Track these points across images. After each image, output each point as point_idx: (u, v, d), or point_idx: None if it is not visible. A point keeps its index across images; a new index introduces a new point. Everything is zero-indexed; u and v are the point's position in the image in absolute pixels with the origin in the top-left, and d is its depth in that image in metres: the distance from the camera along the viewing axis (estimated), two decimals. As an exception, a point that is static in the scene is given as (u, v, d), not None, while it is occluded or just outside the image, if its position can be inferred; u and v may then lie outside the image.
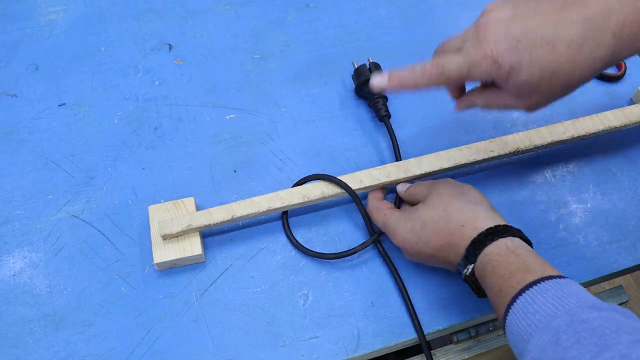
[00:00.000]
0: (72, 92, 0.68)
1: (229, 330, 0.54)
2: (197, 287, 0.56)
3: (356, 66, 0.67)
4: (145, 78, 0.69)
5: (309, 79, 0.69)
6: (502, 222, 0.49)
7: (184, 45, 0.72)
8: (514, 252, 0.46)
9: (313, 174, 0.59)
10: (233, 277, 0.56)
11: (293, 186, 0.60)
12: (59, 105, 0.67)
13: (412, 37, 0.73)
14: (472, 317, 0.55)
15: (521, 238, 0.48)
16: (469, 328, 0.57)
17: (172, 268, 0.56)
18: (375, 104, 0.64)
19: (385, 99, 0.65)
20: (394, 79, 0.47)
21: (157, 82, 0.69)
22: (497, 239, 0.47)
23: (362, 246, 0.56)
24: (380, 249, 0.57)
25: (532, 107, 0.47)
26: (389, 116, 0.64)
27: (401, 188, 0.58)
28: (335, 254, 0.56)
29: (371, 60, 0.66)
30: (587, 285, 0.58)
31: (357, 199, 0.57)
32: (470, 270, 0.48)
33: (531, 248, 0.47)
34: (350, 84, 0.68)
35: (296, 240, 0.57)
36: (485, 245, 0.47)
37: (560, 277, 0.43)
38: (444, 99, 0.67)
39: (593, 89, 0.69)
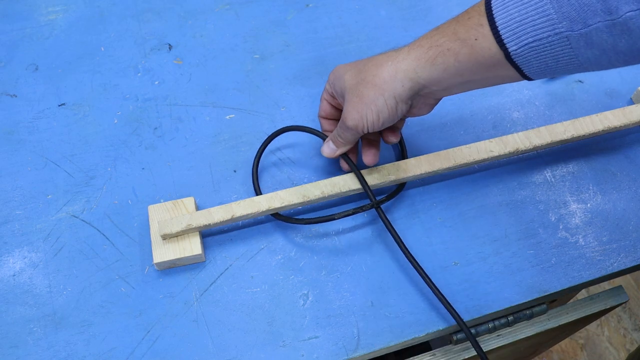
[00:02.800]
0: (72, 92, 0.68)
1: (229, 330, 0.54)
2: (197, 287, 0.56)
3: None
4: (145, 78, 0.69)
5: (309, 79, 0.69)
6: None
7: (183, 45, 0.72)
8: None
9: (291, 125, 0.61)
10: (233, 277, 0.56)
11: (270, 135, 0.61)
12: (59, 105, 0.67)
13: (412, 37, 0.73)
14: (471, 317, 0.55)
15: None
16: (469, 328, 0.57)
17: (172, 268, 0.56)
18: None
19: None
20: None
21: (157, 82, 0.69)
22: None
23: (361, 209, 0.56)
24: (382, 215, 0.56)
25: (351, 115, 0.51)
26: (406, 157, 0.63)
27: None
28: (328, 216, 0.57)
29: None
30: (587, 285, 0.58)
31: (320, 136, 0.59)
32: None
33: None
34: None
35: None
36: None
37: None
38: (445, 98, 0.67)
39: (593, 89, 0.69)
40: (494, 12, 0.43)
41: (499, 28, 0.43)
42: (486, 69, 0.46)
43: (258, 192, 0.59)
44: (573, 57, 0.42)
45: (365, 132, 0.52)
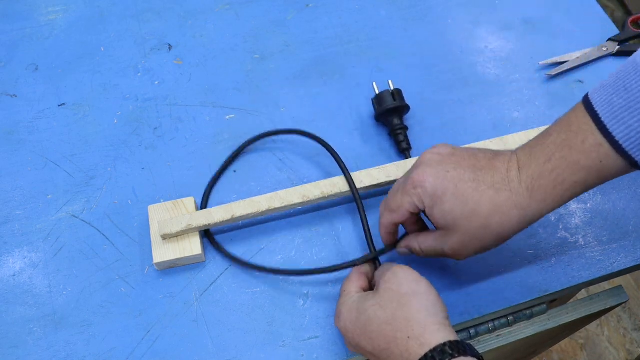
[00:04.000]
0: (72, 92, 0.68)
1: (228, 330, 0.54)
2: (197, 287, 0.56)
3: (377, 91, 0.65)
4: (145, 78, 0.69)
5: (309, 79, 0.69)
6: (452, 337, 0.43)
7: (183, 45, 0.72)
8: None
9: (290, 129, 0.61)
10: (233, 277, 0.56)
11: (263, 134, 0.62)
12: (59, 105, 0.67)
13: (412, 37, 0.73)
14: (471, 316, 0.55)
15: (473, 355, 0.42)
16: (469, 328, 0.57)
17: (172, 268, 0.56)
18: (397, 136, 0.63)
19: (406, 128, 0.63)
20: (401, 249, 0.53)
21: (157, 82, 0.69)
22: (452, 357, 0.41)
23: (360, 261, 0.54)
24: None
25: (456, 252, 0.48)
26: (410, 149, 0.62)
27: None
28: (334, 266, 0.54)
29: (393, 87, 0.64)
30: (587, 285, 0.58)
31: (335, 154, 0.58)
32: None
33: None
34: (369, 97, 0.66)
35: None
36: None
37: None
38: (445, 98, 0.67)
39: (593, 89, 0.69)
40: (609, 127, 0.41)
41: (621, 143, 0.41)
42: (609, 179, 0.44)
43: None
44: None
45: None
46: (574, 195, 0.44)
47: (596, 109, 0.42)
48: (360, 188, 0.58)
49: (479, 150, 0.49)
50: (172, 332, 0.53)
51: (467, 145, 0.56)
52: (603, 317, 1.43)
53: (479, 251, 0.48)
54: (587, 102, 0.43)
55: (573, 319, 0.60)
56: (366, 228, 0.55)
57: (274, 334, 0.54)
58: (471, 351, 0.42)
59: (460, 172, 0.46)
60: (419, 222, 0.53)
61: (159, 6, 0.75)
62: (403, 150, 0.62)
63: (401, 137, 0.62)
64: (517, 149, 0.48)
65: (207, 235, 0.58)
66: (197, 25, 0.74)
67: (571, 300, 0.64)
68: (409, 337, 0.43)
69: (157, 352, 0.52)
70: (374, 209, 0.60)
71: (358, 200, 0.56)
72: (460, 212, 0.46)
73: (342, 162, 0.59)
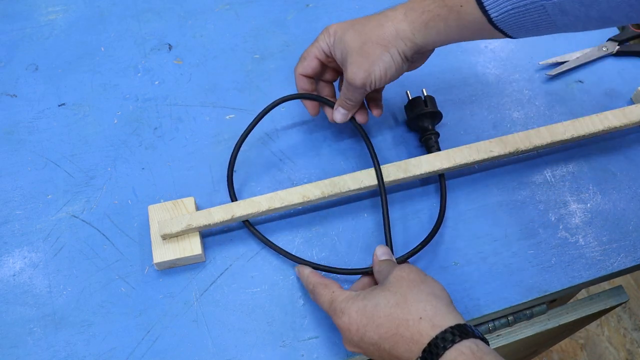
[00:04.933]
0: (72, 92, 0.68)
1: (228, 330, 0.54)
2: (197, 287, 0.56)
3: (410, 97, 0.64)
4: (145, 78, 0.69)
5: (309, 79, 0.69)
6: (462, 321, 0.43)
7: (183, 45, 0.72)
8: None
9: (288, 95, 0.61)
10: (233, 277, 0.56)
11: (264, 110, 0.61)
12: (59, 105, 0.67)
13: (412, 37, 0.73)
14: (471, 317, 0.55)
15: (481, 339, 0.43)
16: (469, 328, 0.57)
17: (172, 268, 0.56)
18: (427, 141, 0.62)
19: (437, 135, 0.62)
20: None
21: (157, 82, 0.69)
22: (459, 341, 0.41)
23: (357, 272, 0.55)
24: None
25: (354, 74, 0.53)
26: (439, 150, 0.62)
27: (380, 254, 0.53)
28: (330, 267, 0.55)
29: (426, 93, 0.64)
30: (587, 285, 0.58)
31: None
32: None
33: (495, 352, 0.42)
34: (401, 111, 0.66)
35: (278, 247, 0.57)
36: (446, 349, 0.41)
37: None
38: (445, 98, 0.67)
39: (593, 89, 0.69)
40: None
41: None
42: (472, 32, 0.49)
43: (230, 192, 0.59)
44: (551, 23, 0.45)
45: (373, 88, 0.55)
46: (438, 30, 0.50)
47: None
48: (361, 188, 0.58)
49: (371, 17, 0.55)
50: (172, 332, 0.53)
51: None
52: (603, 317, 1.43)
53: (369, 70, 0.52)
54: None
55: (573, 319, 0.60)
56: (387, 225, 0.57)
57: (274, 334, 0.54)
58: (479, 336, 0.43)
59: (360, 18, 0.55)
60: (328, 71, 0.60)
61: (159, 6, 0.75)
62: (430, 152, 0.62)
63: (432, 142, 0.62)
64: None
65: (245, 223, 0.58)
66: (197, 25, 0.74)
67: (571, 300, 0.64)
68: (421, 318, 0.43)
69: (157, 352, 0.52)
70: (371, 210, 0.60)
71: (383, 195, 0.57)
72: (349, 37, 0.53)
73: (374, 151, 0.60)
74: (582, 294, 1.32)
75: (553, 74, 0.70)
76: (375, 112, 0.61)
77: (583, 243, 0.59)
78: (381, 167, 0.59)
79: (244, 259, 0.57)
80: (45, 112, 0.66)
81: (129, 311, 0.54)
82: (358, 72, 0.53)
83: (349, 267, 0.56)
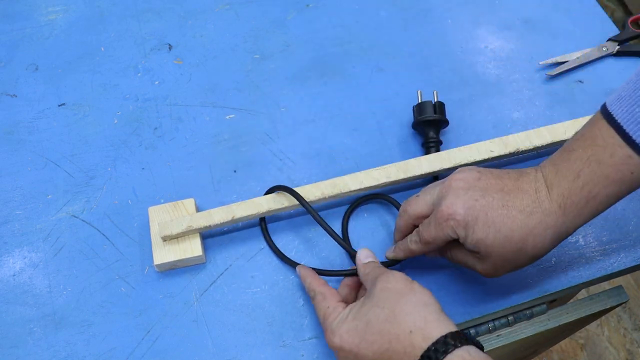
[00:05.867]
0: (72, 92, 0.68)
1: (229, 330, 0.54)
2: (197, 287, 0.56)
3: (420, 99, 0.64)
4: (145, 78, 0.69)
5: (309, 79, 0.69)
6: (453, 328, 0.43)
7: (183, 45, 0.72)
8: None
9: (278, 185, 0.57)
10: (233, 277, 0.56)
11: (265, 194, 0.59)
12: (59, 105, 0.67)
13: (412, 37, 0.73)
14: (471, 317, 0.55)
15: (474, 344, 0.43)
16: (469, 328, 0.57)
17: (173, 269, 0.56)
18: (429, 149, 0.62)
19: (440, 143, 0.62)
20: (398, 252, 0.54)
21: (157, 82, 0.69)
22: (451, 351, 0.41)
23: (347, 272, 0.54)
24: None
25: (489, 273, 0.49)
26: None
27: (363, 258, 0.52)
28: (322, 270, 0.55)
29: (437, 98, 0.64)
30: (587, 285, 0.58)
31: (315, 216, 0.54)
32: None
33: (487, 356, 0.42)
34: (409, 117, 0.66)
35: (276, 248, 0.57)
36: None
37: None
38: (445, 98, 0.67)
39: (593, 89, 0.69)
40: (635, 139, 0.42)
41: None
42: (628, 193, 0.45)
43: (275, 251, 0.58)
44: None
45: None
46: (607, 206, 0.45)
47: (619, 122, 0.42)
48: (361, 189, 0.58)
49: (503, 171, 0.49)
50: (172, 332, 0.53)
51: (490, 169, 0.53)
52: (603, 317, 1.43)
53: (511, 271, 0.49)
54: (607, 115, 0.44)
55: (573, 319, 0.60)
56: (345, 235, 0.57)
57: (274, 334, 0.54)
58: (472, 340, 0.43)
59: (489, 200, 0.46)
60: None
61: (159, 6, 0.75)
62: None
63: (432, 152, 0.62)
64: (541, 166, 0.48)
65: (261, 222, 0.58)
66: (197, 25, 0.74)
67: (571, 300, 0.64)
68: (411, 332, 0.43)
69: (157, 352, 0.52)
70: (371, 210, 0.60)
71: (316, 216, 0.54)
72: (493, 240, 0.46)
73: None
74: (582, 294, 1.32)
75: (553, 74, 0.70)
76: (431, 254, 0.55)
77: (583, 243, 0.59)
78: (382, 167, 0.59)
79: (244, 259, 0.57)
80: (45, 112, 0.66)
81: (129, 311, 0.54)
82: (499, 273, 0.49)
83: (344, 269, 0.56)
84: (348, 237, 0.59)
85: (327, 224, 0.53)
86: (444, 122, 0.63)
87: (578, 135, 0.46)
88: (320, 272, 0.54)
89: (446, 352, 0.41)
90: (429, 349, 0.41)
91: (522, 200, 0.46)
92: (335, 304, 0.49)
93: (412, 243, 0.52)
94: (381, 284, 0.46)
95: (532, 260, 0.47)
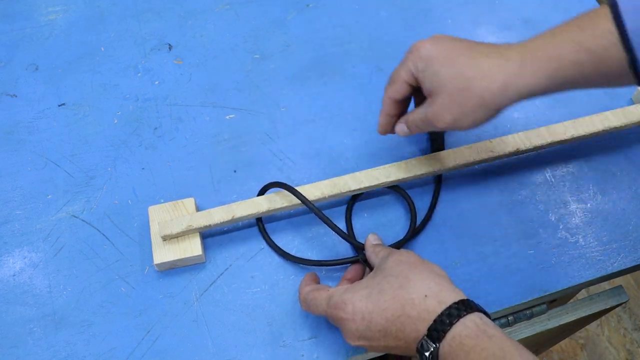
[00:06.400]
0: (72, 92, 0.68)
1: (229, 330, 0.54)
2: (197, 287, 0.56)
3: None
4: (145, 78, 0.69)
5: (309, 79, 0.69)
6: (464, 297, 0.44)
7: (183, 45, 0.72)
8: (486, 333, 0.41)
9: (275, 182, 0.57)
10: (233, 277, 0.56)
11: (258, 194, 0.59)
12: (59, 105, 0.67)
13: (412, 37, 0.73)
14: (472, 317, 0.55)
15: (484, 313, 0.44)
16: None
17: (172, 268, 0.56)
18: (433, 142, 0.62)
19: (444, 133, 0.63)
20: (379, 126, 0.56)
21: (157, 82, 0.69)
22: (464, 315, 0.42)
23: (347, 260, 0.55)
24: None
25: (437, 114, 0.48)
26: (443, 149, 0.62)
27: (372, 240, 0.53)
28: (318, 261, 0.56)
29: None
30: (587, 285, 0.58)
31: (317, 212, 0.54)
32: (435, 349, 0.42)
33: (496, 324, 0.44)
34: None
35: (276, 245, 0.57)
36: (452, 324, 0.42)
37: None
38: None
39: (593, 89, 0.69)
40: (623, 17, 0.41)
41: (630, 35, 0.41)
42: (607, 80, 0.44)
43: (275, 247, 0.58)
44: None
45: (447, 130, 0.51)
46: (565, 80, 0.44)
47: (618, 2, 0.42)
48: (361, 188, 0.58)
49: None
50: (172, 332, 0.53)
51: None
52: (603, 317, 1.43)
53: (458, 118, 0.47)
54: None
55: (573, 319, 0.60)
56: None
57: (274, 334, 0.53)
58: (481, 310, 0.44)
59: (458, 44, 0.48)
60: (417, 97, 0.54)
61: (159, 6, 0.75)
62: (434, 150, 0.62)
63: (437, 142, 0.62)
64: None
65: (258, 222, 0.58)
66: (197, 25, 0.74)
67: (571, 300, 0.64)
68: (426, 296, 0.44)
69: (157, 352, 0.52)
70: (375, 209, 0.60)
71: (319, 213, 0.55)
72: (446, 74, 0.46)
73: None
74: (582, 294, 1.32)
75: (553, 74, 0.70)
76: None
77: (583, 243, 0.59)
78: (382, 167, 0.59)
79: (244, 259, 0.57)
80: (45, 112, 0.66)
81: (129, 311, 0.54)
82: (445, 116, 0.47)
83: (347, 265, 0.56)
84: (353, 230, 0.59)
85: (325, 216, 0.54)
86: None
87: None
88: (321, 263, 0.55)
89: (459, 317, 0.42)
90: (442, 313, 0.42)
91: (489, 46, 0.47)
92: (329, 287, 0.50)
93: (383, 104, 0.54)
94: (394, 257, 0.48)
95: (478, 107, 0.46)
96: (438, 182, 0.61)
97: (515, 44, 0.46)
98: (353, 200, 0.60)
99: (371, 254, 0.52)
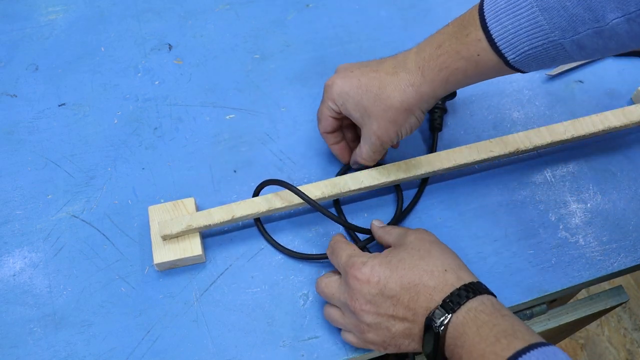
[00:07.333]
0: (72, 92, 0.68)
1: (229, 330, 0.54)
2: (197, 287, 0.56)
3: None
4: (145, 78, 0.69)
5: (309, 79, 0.69)
6: (477, 281, 0.46)
7: (183, 45, 0.72)
8: (500, 312, 0.43)
9: (271, 179, 0.57)
10: (233, 277, 0.56)
11: (253, 195, 0.59)
12: (59, 105, 0.67)
13: (412, 37, 0.73)
14: (472, 317, 0.55)
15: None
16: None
17: (172, 268, 0.56)
18: (432, 114, 0.65)
19: (445, 111, 0.65)
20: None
21: (157, 82, 0.69)
22: (478, 294, 0.44)
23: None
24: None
25: (382, 137, 0.53)
26: (440, 129, 0.64)
27: (377, 223, 0.55)
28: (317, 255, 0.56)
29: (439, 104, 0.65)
30: (587, 285, 0.58)
31: (319, 207, 0.54)
32: (447, 320, 0.43)
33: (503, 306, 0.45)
34: None
35: (276, 242, 0.58)
36: (469, 298, 0.43)
37: (545, 344, 0.40)
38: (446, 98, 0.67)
39: (593, 89, 0.69)
40: (488, 25, 0.45)
41: (496, 41, 0.45)
42: (489, 76, 0.49)
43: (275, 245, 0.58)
44: (568, 57, 0.45)
45: (396, 142, 0.57)
46: (458, 82, 0.49)
47: (484, 8, 0.46)
48: (361, 188, 0.58)
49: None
50: (172, 332, 0.53)
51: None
52: (603, 317, 1.44)
53: (400, 131, 0.53)
54: (481, 1, 0.47)
55: (573, 319, 0.60)
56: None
57: (274, 334, 0.54)
58: (492, 294, 0.46)
59: (364, 69, 0.53)
60: (347, 129, 0.60)
61: (159, 6, 0.75)
62: (434, 128, 0.64)
63: (435, 116, 0.64)
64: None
65: (257, 223, 0.58)
66: (197, 25, 0.74)
67: (571, 300, 0.64)
68: (446, 270, 0.46)
69: (157, 352, 0.52)
70: (376, 209, 0.60)
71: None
72: (367, 100, 0.52)
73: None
74: (582, 294, 1.32)
75: (553, 74, 0.70)
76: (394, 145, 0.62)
77: (583, 243, 0.59)
78: (382, 166, 0.59)
79: (244, 259, 0.57)
80: (45, 112, 0.66)
81: (129, 311, 0.54)
82: (387, 133, 0.53)
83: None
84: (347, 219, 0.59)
85: (322, 206, 0.54)
86: (451, 93, 0.64)
87: (461, 15, 0.49)
88: (324, 257, 0.55)
89: (475, 294, 0.44)
90: (460, 287, 0.44)
91: (391, 63, 0.52)
92: (358, 248, 0.51)
93: (324, 139, 0.60)
94: (416, 234, 0.50)
95: (406, 116, 0.51)
96: (423, 183, 0.61)
97: (411, 53, 0.51)
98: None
99: (383, 234, 0.54)
